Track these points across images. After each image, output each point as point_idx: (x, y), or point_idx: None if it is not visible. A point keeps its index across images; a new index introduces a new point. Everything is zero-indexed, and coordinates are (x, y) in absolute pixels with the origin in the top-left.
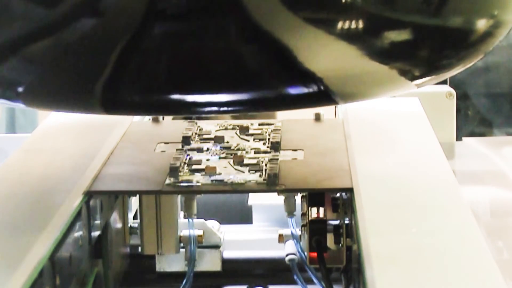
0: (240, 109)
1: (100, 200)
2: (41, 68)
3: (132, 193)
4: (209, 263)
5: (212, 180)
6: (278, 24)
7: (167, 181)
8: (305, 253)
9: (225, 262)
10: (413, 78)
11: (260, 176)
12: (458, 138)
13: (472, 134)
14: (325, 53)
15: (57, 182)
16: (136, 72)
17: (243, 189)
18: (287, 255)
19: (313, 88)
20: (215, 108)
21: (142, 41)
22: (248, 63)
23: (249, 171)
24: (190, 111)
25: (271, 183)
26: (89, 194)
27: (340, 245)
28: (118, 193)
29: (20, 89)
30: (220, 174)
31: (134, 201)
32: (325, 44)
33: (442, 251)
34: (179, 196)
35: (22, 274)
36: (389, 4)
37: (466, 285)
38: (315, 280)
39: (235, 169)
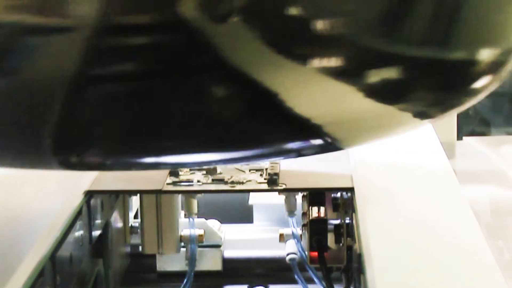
0: (223, 163)
1: (101, 200)
2: None
3: (133, 192)
4: (209, 262)
5: (212, 180)
6: (259, 65)
7: (168, 181)
8: (306, 253)
9: (226, 261)
10: (423, 117)
11: (261, 175)
12: (459, 137)
13: (472, 133)
14: (317, 95)
15: (58, 181)
16: (85, 134)
17: (243, 188)
18: (287, 255)
19: (311, 137)
20: (191, 165)
21: (76, 105)
22: (224, 114)
23: (249, 171)
24: (164, 168)
25: (272, 183)
26: (89, 194)
27: (341, 244)
28: (119, 192)
29: None
30: (220, 173)
31: (135, 201)
32: (317, 85)
33: (443, 250)
34: (180, 195)
35: (23, 273)
36: (388, 36)
37: (466, 285)
38: (315, 280)
39: (236, 168)
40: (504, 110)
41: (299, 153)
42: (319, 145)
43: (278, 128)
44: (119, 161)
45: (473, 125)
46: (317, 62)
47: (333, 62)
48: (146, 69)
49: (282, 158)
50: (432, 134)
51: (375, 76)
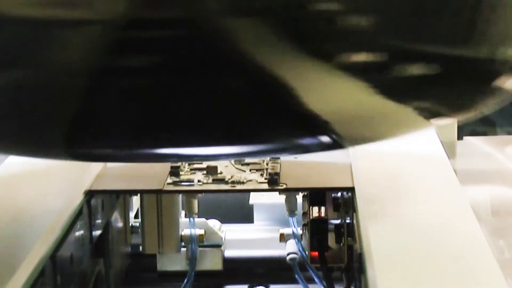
0: (225, 157)
1: (101, 199)
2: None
3: (133, 192)
4: (210, 262)
5: (213, 180)
6: (280, 61)
7: (168, 180)
8: (306, 252)
9: (226, 261)
10: (433, 116)
11: (261, 175)
12: (460, 137)
13: (473, 133)
14: (333, 92)
15: (58, 181)
16: (101, 126)
17: (244, 188)
18: (288, 254)
19: (317, 133)
20: (202, 158)
21: (100, 94)
22: (239, 109)
23: (250, 170)
24: (177, 161)
25: (272, 182)
26: (90, 193)
27: (341, 244)
28: (119, 192)
29: None
30: (221, 173)
31: (135, 200)
32: (332, 81)
33: (443, 250)
34: (180, 195)
35: (23, 273)
36: (410, 33)
37: (467, 284)
38: (316, 280)
39: (237, 168)
40: (505, 109)
41: (302, 149)
42: (323, 143)
43: (287, 123)
44: (129, 153)
45: (474, 125)
46: (341, 59)
47: (357, 59)
48: (167, 63)
49: (285, 154)
50: (432, 134)
51: (390, 73)
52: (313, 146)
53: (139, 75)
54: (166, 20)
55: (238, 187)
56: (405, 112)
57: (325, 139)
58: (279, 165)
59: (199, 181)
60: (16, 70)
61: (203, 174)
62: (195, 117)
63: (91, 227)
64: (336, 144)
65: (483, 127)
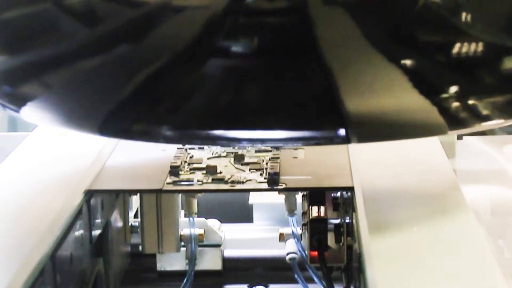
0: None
1: (101, 199)
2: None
3: (133, 191)
4: (209, 262)
5: (212, 179)
6: (345, 58)
7: (168, 180)
8: (306, 252)
9: (226, 261)
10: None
11: (261, 175)
12: (459, 137)
13: (472, 133)
14: (378, 93)
15: (58, 180)
16: (173, 106)
17: (243, 188)
18: (287, 254)
19: (337, 128)
20: (246, 143)
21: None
22: (303, 97)
23: (250, 170)
24: (220, 144)
25: (272, 182)
26: (90, 193)
27: (341, 244)
28: (119, 191)
29: (32, 103)
30: (220, 173)
31: (135, 200)
32: (388, 83)
33: (443, 249)
34: (180, 195)
35: (23, 272)
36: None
37: (466, 284)
38: (315, 279)
39: (236, 168)
40: None
41: (316, 142)
42: (338, 137)
43: (324, 115)
44: (196, 134)
45: None
46: (410, 63)
47: (426, 65)
48: (257, 48)
49: (301, 144)
50: None
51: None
52: (329, 139)
53: (238, 57)
54: (266, 10)
55: (238, 186)
56: (432, 113)
57: (341, 133)
58: (278, 164)
59: (198, 180)
60: (123, 47)
61: (202, 173)
62: (274, 100)
63: (90, 226)
64: (345, 140)
65: None
